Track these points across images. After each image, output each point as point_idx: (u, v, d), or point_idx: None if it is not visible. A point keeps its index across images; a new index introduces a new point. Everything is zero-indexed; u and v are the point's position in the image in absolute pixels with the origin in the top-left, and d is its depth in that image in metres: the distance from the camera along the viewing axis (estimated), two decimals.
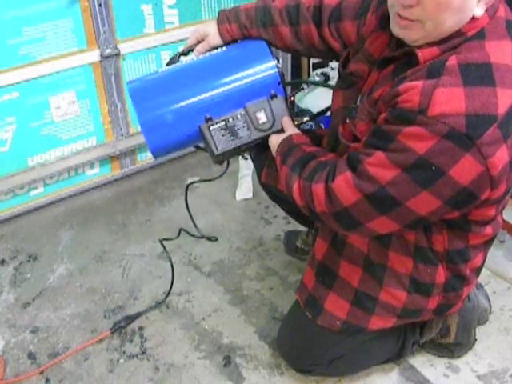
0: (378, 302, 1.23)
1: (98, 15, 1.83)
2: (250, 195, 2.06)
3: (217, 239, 1.87)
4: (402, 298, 1.22)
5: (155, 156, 1.26)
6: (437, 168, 0.93)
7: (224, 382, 1.44)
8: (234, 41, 1.32)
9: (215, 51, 1.29)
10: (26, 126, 1.89)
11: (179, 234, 1.78)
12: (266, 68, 1.24)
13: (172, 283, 1.64)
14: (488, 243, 1.22)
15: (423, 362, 1.47)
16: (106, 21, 1.85)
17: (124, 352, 1.52)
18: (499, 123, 0.91)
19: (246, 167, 2.07)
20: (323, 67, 2.19)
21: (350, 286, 1.24)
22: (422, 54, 0.99)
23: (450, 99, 0.91)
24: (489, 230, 1.16)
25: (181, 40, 2.06)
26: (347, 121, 1.14)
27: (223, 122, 1.20)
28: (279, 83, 1.24)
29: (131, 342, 1.55)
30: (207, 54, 1.30)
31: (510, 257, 1.72)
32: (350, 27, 1.25)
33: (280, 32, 1.29)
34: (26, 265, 1.81)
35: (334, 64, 2.20)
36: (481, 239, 1.17)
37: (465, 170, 0.92)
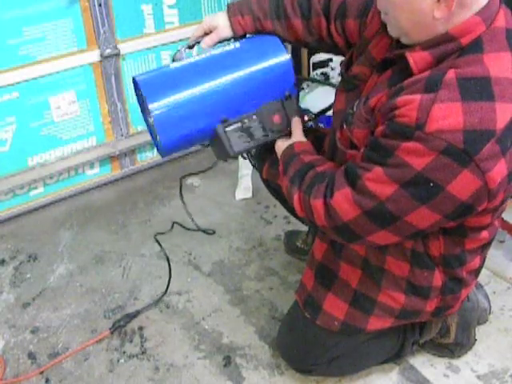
0: (376, 304, 1.23)
1: (98, 15, 1.83)
2: (250, 195, 2.06)
3: (214, 232, 1.86)
4: (401, 300, 1.22)
5: (164, 154, 1.23)
6: (435, 184, 0.93)
7: (224, 382, 1.44)
8: (244, 34, 1.30)
9: (226, 45, 1.26)
10: (26, 126, 1.89)
11: (172, 226, 1.76)
12: (282, 69, 1.23)
13: (169, 280, 1.65)
14: (485, 246, 1.21)
15: (423, 362, 1.47)
16: (105, 21, 1.85)
17: (124, 352, 1.52)
18: (497, 138, 0.91)
19: (245, 167, 2.07)
20: (323, 67, 2.19)
21: (349, 286, 1.24)
22: (413, 60, 0.98)
23: (448, 115, 0.90)
24: (485, 234, 1.15)
25: (181, 40, 2.05)
26: (344, 126, 1.14)
27: (239, 124, 1.19)
28: (294, 84, 1.24)
29: (131, 341, 1.55)
30: (216, 46, 1.27)
31: (510, 257, 1.72)
32: (352, 25, 1.25)
33: (292, 24, 1.28)
34: (26, 265, 1.81)
35: (334, 64, 2.20)
36: (477, 243, 1.17)
37: (463, 185, 0.92)
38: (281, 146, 1.23)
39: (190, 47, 1.30)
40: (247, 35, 1.30)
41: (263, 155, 1.46)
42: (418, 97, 0.93)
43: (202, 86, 1.17)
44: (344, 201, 1.02)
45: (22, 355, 1.52)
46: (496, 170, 0.92)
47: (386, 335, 1.34)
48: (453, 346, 1.44)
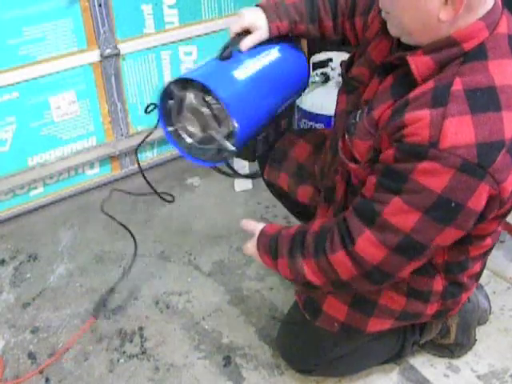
0: (376, 306, 1.22)
1: (98, 15, 1.83)
2: (250, 186, 2.05)
3: (173, 200, 1.71)
4: (401, 302, 1.22)
5: (235, 151, 1.15)
6: (456, 203, 0.92)
7: (224, 382, 1.44)
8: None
9: (268, 52, 1.24)
10: (26, 126, 1.89)
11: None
12: (304, 83, 1.31)
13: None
14: (487, 252, 1.21)
15: (423, 362, 1.47)
16: (105, 21, 1.85)
17: (124, 352, 1.52)
18: (508, 148, 0.90)
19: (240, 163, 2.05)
20: (323, 67, 2.19)
21: None
22: (414, 65, 0.96)
23: (460, 129, 0.89)
24: (488, 241, 1.15)
25: (181, 40, 2.06)
26: (346, 137, 1.13)
27: None
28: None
29: (131, 341, 1.55)
30: (257, 49, 1.23)
31: (510, 257, 1.72)
32: (358, 23, 1.24)
33: (324, 26, 1.27)
34: (26, 265, 1.81)
35: (335, 64, 2.20)
36: (481, 250, 1.17)
37: (480, 198, 0.92)
38: (251, 245, 1.22)
39: (232, 45, 1.23)
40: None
41: (264, 156, 1.46)
42: (427, 112, 0.91)
43: (266, 96, 1.19)
44: (368, 245, 0.99)
45: (22, 355, 1.52)
46: (509, 180, 0.92)
47: (386, 336, 1.34)
48: (453, 347, 1.44)
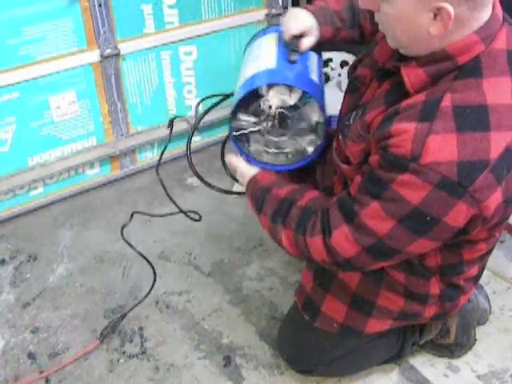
0: (375, 306, 1.23)
1: (98, 15, 1.83)
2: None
3: (200, 218, 1.70)
4: (400, 303, 1.22)
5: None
6: (431, 217, 0.93)
7: (224, 382, 1.44)
8: None
9: (316, 59, 1.28)
10: (26, 126, 1.89)
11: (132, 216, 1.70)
12: None
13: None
14: (484, 256, 1.20)
15: (423, 362, 1.47)
16: (105, 21, 1.85)
17: (124, 352, 1.52)
18: (491, 168, 0.90)
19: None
20: (323, 67, 2.19)
21: (348, 289, 1.23)
22: (407, 78, 0.97)
23: (443, 147, 0.89)
24: (483, 246, 1.14)
25: (181, 40, 2.06)
26: (340, 138, 1.14)
27: None
28: None
29: (131, 341, 1.55)
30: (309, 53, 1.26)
31: (510, 257, 1.72)
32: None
33: (364, 28, 1.28)
34: (25, 265, 1.81)
35: (335, 64, 2.20)
36: (476, 254, 1.16)
37: (459, 215, 0.93)
38: (242, 174, 1.22)
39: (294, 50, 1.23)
40: None
41: None
42: (412, 126, 0.91)
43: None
44: (343, 239, 1.01)
45: (22, 355, 1.52)
46: (491, 199, 0.92)
47: (386, 336, 1.34)
48: (453, 347, 1.44)
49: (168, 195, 1.52)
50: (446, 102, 0.91)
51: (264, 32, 1.36)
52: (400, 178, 0.92)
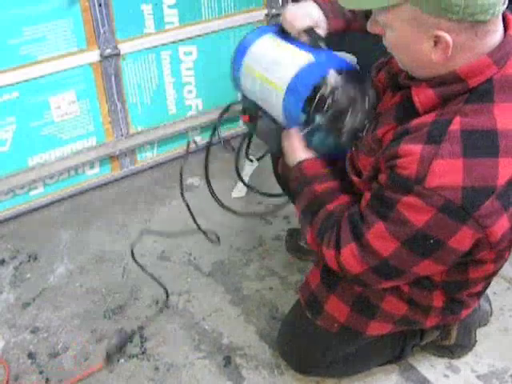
0: (379, 309, 1.22)
1: (98, 15, 1.83)
2: (243, 194, 2.07)
3: (218, 240, 1.79)
4: (403, 309, 1.22)
5: None
6: (435, 240, 0.93)
7: (224, 382, 1.44)
8: None
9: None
10: (26, 126, 1.89)
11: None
12: None
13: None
14: (491, 276, 1.19)
15: (423, 362, 1.47)
16: (105, 21, 1.85)
17: (124, 352, 1.52)
18: (498, 194, 0.89)
19: (248, 169, 2.07)
20: None
21: (353, 290, 1.23)
22: (417, 98, 0.96)
23: (448, 172, 0.89)
24: (490, 266, 1.13)
25: (181, 40, 2.05)
26: (353, 149, 1.14)
27: None
28: None
29: (131, 341, 1.55)
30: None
31: (510, 257, 1.72)
32: None
33: None
34: (25, 265, 1.81)
35: None
36: (482, 273, 1.15)
37: (463, 239, 0.93)
38: (291, 154, 1.19)
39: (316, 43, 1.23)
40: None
41: (279, 147, 1.45)
42: (419, 148, 0.91)
43: None
44: (351, 257, 1.02)
45: (22, 355, 1.52)
46: (497, 225, 0.92)
47: (387, 339, 1.33)
48: (453, 348, 1.44)
49: (190, 212, 1.57)
50: (455, 125, 0.90)
51: (253, 37, 1.33)
52: (405, 199, 0.92)
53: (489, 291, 1.57)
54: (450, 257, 0.97)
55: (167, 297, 1.62)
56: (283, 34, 1.29)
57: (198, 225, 1.56)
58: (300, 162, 1.17)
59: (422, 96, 0.96)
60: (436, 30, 0.87)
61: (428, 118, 0.94)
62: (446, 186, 0.88)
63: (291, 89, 1.16)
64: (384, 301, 1.21)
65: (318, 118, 1.13)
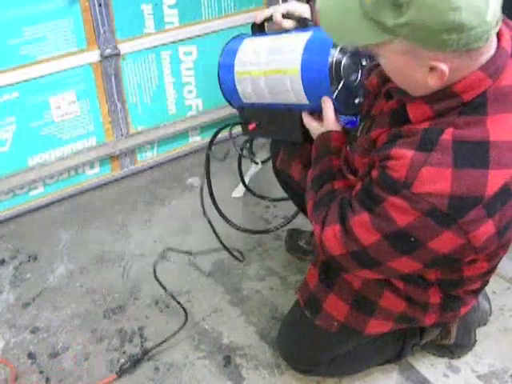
0: (377, 307, 1.23)
1: (98, 15, 1.83)
2: (241, 194, 2.07)
3: (243, 259, 1.77)
4: (402, 306, 1.22)
5: None
6: (416, 240, 0.94)
7: (224, 382, 1.44)
8: None
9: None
10: (26, 126, 1.89)
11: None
12: None
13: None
14: (486, 274, 1.19)
15: (423, 362, 1.47)
16: (105, 21, 1.85)
17: (124, 352, 1.52)
18: (485, 204, 0.89)
19: (252, 172, 2.07)
20: None
21: (351, 288, 1.23)
22: (412, 113, 0.96)
23: (436, 180, 0.89)
24: (484, 264, 1.13)
25: (181, 40, 2.05)
26: (347, 148, 1.15)
27: None
28: None
29: (131, 341, 1.55)
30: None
31: (510, 257, 1.72)
32: None
33: None
34: (26, 265, 1.81)
35: None
36: (476, 271, 1.15)
37: (445, 242, 0.93)
38: (315, 127, 1.22)
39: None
40: None
41: (277, 145, 1.45)
42: (410, 153, 0.91)
43: None
44: (332, 237, 1.04)
45: (22, 355, 1.52)
46: (481, 231, 0.91)
47: (387, 338, 1.34)
48: (453, 347, 1.44)
49: (215, 233, 1.57)
50: (447, 135, 0.90)
51: (231, 49, 1.35)
52: (391, 199, 0.93)
53: (489, 291, 1.58)
54: (428, 257, 0.97)
55: (186, 317, 1.59)
56: (260, 33, 1.30)
57: (222, 243, 1.57)
58: (329, 132, 1.20)
59: (418, 111, 0.96)
60: (431, 60, 0.87)
61: (421, 125, 0.95)
62: (434, 193, 0.89)
63: (308, 63, 1.17)
64: (382, 298, 1.21)
65: (343, 79, 1.16)
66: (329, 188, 1.13)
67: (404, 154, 0.92)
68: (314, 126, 1.24)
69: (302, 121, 1.25)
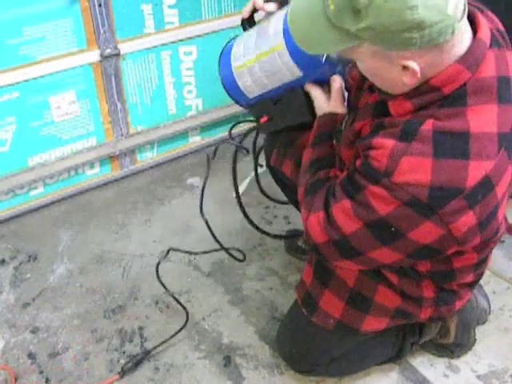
0: (372, 303, 1.23)
1: (98, 15, 1.83)
2: (241, 192, 2.07)
3: (244, 258, 1.72)
4: (397, 301, 1.22)
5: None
6: (396, 230, 0.95)
7: (224, 382, 1.44)
8: None
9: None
10: (26, 126, 1.89)
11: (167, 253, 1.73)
12: None
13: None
14: (478, 265, 1.19)
15: (423, 362, 1.47)
16: (105, 21, 1.85)
17: (124, 352, 1.52)
18: (465, 195, 0.90)
19: (247, 180, 2.08)
20: None
21: (345, 284, 1.24)
22: (393, 109, 0.97)
23: (416, 169, 0.90)
24: (473, 255, 1.13)
25: (181, 40, 2.05)
26: (334, 141, 1.16)
27: None
28: None
29: (131, 341, 1.55)
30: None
31: (510, 257, 1.72)
32: None
33: None
34: (26, 265, 1.81)
35: None
36: (466, 262, 1.15)
37: (425, 233, 0.94)
38: (320, 95, 1.20)
39: None
40: None
41: (272, 141, 1.46)
42: (391, 143, 0.92)
43: None
44: (316, 224, 1.05)
45: (22, 355, 1.52)
46: (461, 221, 0.92)
47: (386, 336, 1.34)
48: (453, 347, 1.45)
49: (212, 234, 1.52)
50: (428, 126, 0.91)
51: (227, 51, 1.35)
52: (372, 188, 0.94)
53: (489, 291, 1.58)
54: (408, 248, 0.98)
55: (187, 318, 1.57)
56: (249, 27, 1.31)
57: (220, 244, 1.56)
58: (335, 114, 1.19)
59: (399, 107, 0.97)
60: (400, 59, 0.88)
61: (403, 117, 0.96)
62: (413, 183, 0.90)
63: (289, 32, 1.12)
64: (377, 294, 1.22)
65: None
66: (324, 174, 1.14)
67: (385, 144, 0.93)
68: (318, 94, 1.21)
69: (307, 96, 1.23)
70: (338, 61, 1.18)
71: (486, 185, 0.92)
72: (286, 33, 1.15)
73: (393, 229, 0.95)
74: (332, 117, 1.19)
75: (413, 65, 0.88)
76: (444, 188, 0.90)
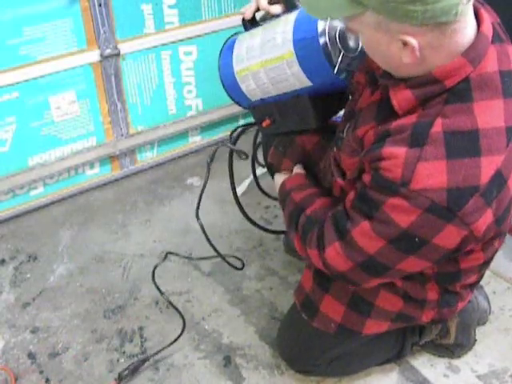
0: (374, 307, 1.23)
1: (98, 15, 1.83)
2: (240, 193, 2.07)
3: (243, 266, 1.73)
4: (399, 305, 1.22)
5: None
6: (420, 239, 0.94)
7: (224, 382, 1.44)
8: None
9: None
10: (26, 126, 1.89)
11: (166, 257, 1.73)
12: None
13: None
14: (484, 265, 1.19)
15: (423, 362, 1.47)
16: (106, 21, 1.85)
17: (124, 352, 1.52)
18: (482, 192, 0.90)
19: (247, 182, 2.08)
20: None
21: (347, 289, 1.23)
22: (396, 101, 0.96)
23: (432, 174, 0.89)
24: (479, 255, 1.12)
25: (181, 40, 2.05)
26: (334, 149, 1.15)
27: None
28: None
29: (131, 341, 1.55)
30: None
31: (510, 257, 1.72)
32: None
33: None
34: (26, 265, 1.81)
35: None
36: (473, 263, 1.15)
37: (449, 237, 0.93)
38: (277, 180, 1.36)
39: None
40: None
41: (269, 139, 1.46)
42: (403, 151, 0.91)
43: None
44: (335, 255, 1.04)
45: (22, 355, 1.52)
46: (481, 221, 0.92)
47: (386, 337, 1.34)
48: (453, 347, 1.44)
49: (208, 241, 1.54)
50: (437, 127, 0.90)
51: (227, 51, 1.34)
52: (390, 200, 0.93)
53: (489, 291, 1.58)
54: (434, 254, 0.97)
55: (184, 325, 1.56)
56: (251, 26, 1.29)
57: (218, 252, 1.56)
58: (283, 182, 1.32)
59: (400, 97, 0.95)
60: (401, 34, 0.87)
61: (409, 120, 0.94)
62: (432, 188, 0.89)
63: (300, 41, 1.14)
64: (378, 297, 1.21)
65: (342, 51, 1.13)
66: (304, 218, 1.16)
67: (396, 153, 0.92)
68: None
69: (312, 104, 1.22)
70: (344, 70, 1.16)
71: (499, 179, 0.92)
72: (297, 43, 1.14)
73: (417, 239, 0.94)
74: (282, 184, 1.32)
75: (412, 41, 0.87)
76: (460, 188, 0.89)
